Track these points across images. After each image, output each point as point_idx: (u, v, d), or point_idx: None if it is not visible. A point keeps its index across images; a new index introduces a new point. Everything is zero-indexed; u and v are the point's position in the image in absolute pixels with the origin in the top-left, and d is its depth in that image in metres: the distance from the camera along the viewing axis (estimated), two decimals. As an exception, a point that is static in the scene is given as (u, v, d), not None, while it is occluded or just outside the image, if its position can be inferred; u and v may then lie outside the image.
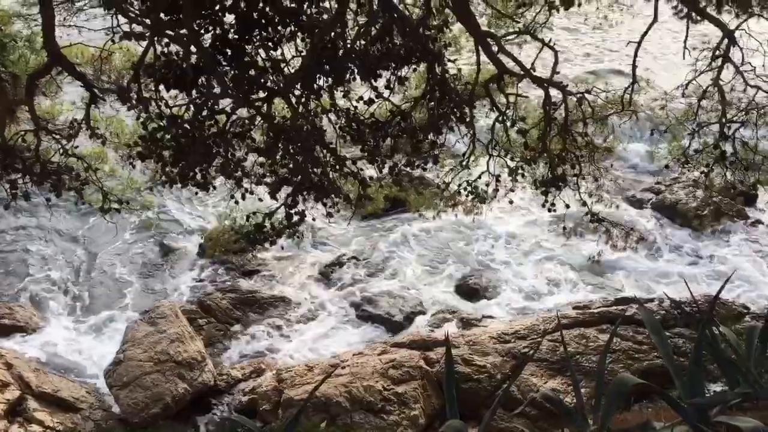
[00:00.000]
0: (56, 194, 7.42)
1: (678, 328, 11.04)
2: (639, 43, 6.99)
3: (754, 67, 7.27)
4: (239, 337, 13.17)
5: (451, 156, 9.87)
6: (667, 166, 8.36)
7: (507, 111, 8.20)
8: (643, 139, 15.23)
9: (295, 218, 7.68)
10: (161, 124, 6.49)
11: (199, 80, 6.55)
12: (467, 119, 7.94)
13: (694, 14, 6.07)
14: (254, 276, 14.85)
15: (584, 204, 8.95)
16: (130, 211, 10.42)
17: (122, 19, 5.94)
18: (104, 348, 12.65)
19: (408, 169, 8.09)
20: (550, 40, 7.80)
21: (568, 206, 8.96)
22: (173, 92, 6.69)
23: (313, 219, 8.10)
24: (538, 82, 7.61)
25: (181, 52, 6.25)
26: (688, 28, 6.40)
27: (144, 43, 6.15)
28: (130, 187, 9.20)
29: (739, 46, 6.78)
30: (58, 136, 7.52)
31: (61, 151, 7.41)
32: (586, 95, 8.08)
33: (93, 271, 14.92)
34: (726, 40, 6.59)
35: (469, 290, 14.55)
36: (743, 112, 7.59)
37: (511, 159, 8.84)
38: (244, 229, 8.66)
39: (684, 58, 7.15)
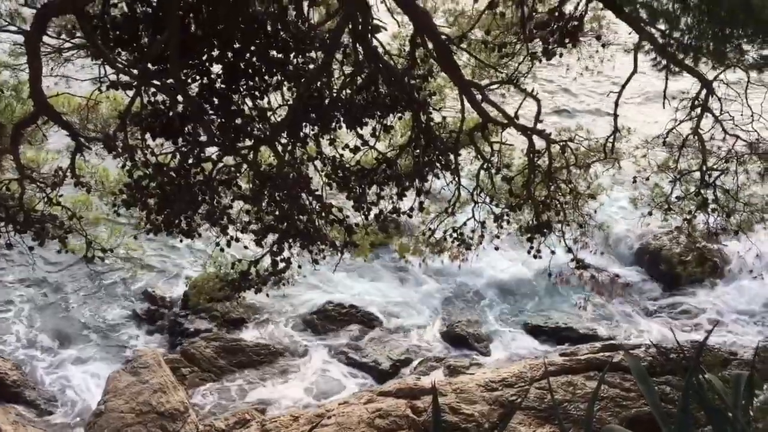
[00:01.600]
0: (39, 243, 7.37)
1: (665, 375, 11.00)
2: (620, 93, 7.14)
3: (732, 117, 7.44)
4: (223, 387, 12.96)
5: (436, 202, 9.91)
6: (650, 213, 8.46)
7: (492, 158, 8.28)
8: (626, 185, 15.43)
9: (281, 265, 7.67)
10: (147, 171, 6.51)
11: (186, 128, 6.60)
12: (452, 166, 8.01)
13: (672, 66, 6.22)
14: (239, 324, 14.69)
15: (569, 250, 9.00)
16: (114, 259, 10.35)
17: (110, 69, 5.99)
18: (83, 397, 12.41)
19: (394, 215, 8.12)
20: (533, 90, 7.93)
21: (553, 252, 9.00)
22: (159, 140, 6.73)
23: (299, 266, 8.08)
24: (522, 131, 7.72)
25: (167, 101, 6.30)
26: (667, 78, 6.56)
27: (131, 93, 6.19)
28: (115, 235, 9.15)
29: (716, 96, 6.95)
30: (42, 185, 7.50)
31: (46, 199, 7.39)
32: (569, 143, 8.20)
33: (73, 320, 14.71)
34: (704, 90, 6.75)
35: (456, 337, 14.46)
36: (723, 160, 7.73)
37: (497, 205, 8.90)
38: (229, 277, 8.62)
39: (664, 108, 7.31)
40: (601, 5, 6.87)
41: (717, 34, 5.34)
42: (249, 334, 14.37)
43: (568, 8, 7.48)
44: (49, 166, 7.86)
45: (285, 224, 7.42)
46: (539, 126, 7.86)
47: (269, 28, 6.90)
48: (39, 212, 7.36)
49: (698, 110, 7.06)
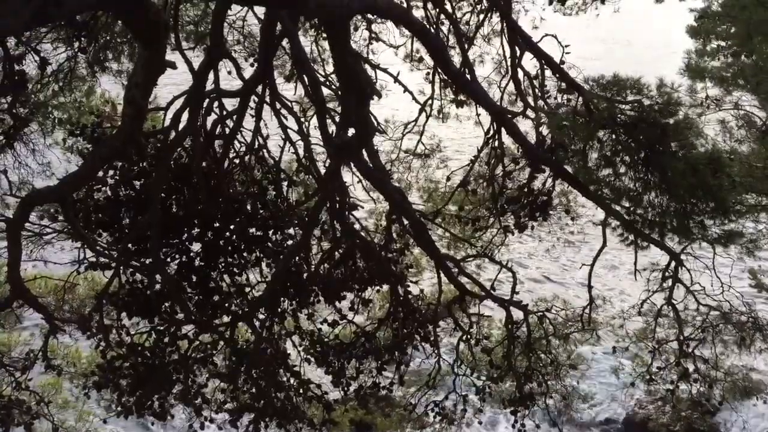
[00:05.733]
0: (4, 430, 7.05)
1: None
2: (592, 266, 7.32)
3: (704, 288, 7.60)
4: None
5: (416, 375, 9.74)
6: (632, 384, 8.37)
7: (470, 330, 8.27)
8: (606, 355, 15.31)
9: (257, 448, 7.35)
10: (120, 352, 6.40)
11: (163, 307, 6.58)
12: (431, 338, 7.97)
13: (639, 240, 6.44)
14: None
15: (554, 424, 8.76)
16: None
17: (89, 252, 6.06)
18: None
19: (374, 390, 7.94)
20: (507, 262, 8.09)
21: (538, 426, 8.73)
22: (135, 319, 6.68)
23: (276, 448, 7.74)
24: (499, 303, 7.78)
25: (145, 281, 6.33)
26: (636, 252, 6.77)
27: (109, 273, 6.23)
28: (84, 419, 8.78)
29: (686, 268, 7.15)
30: (12, 369, 7.30)
31: (14, 384, 7.17)
32: (547, 313, 8.24)
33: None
34: (673, 263, 6.95)
35: None
36: (700, 330, 7.80)
37: (478, 377, 8.75)
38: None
39: (636, 279, 7.48)
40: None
41: (679, 211, 5.59)
42: None
43: (537, 184, 7.83)
44: (20, 348, 7.72)
45: (261, 402, 7.21)
46: (516, 297, 7.93)
47: (249, 207, 7.12)
48: (5, 398, 7.10)
49: (669, 281, 7.23)
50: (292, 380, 7.38)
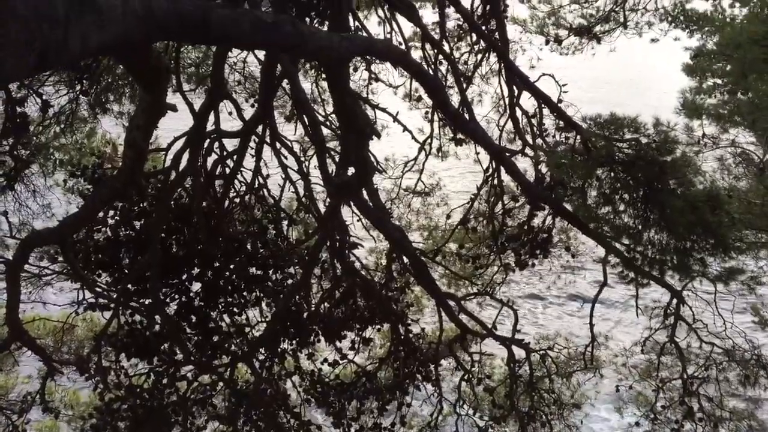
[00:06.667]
0: (1, 475, 6.96)
1: None
2: (593, 303, 7.29)
3: (706, 325, 7.55)
4: None
5: (418, 416, 9.61)
6: (637, 423, 8.26)
7: (472, 369, 8.19)
8: (610, 394, 15.09)
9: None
10: (119, 394, 6.34)
11: (162, 348, 6.55)
12: (433, 378, 7.90)
13: (640, 278, 6.42)
14: None
15: (559, 468, 8.61)
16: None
17: (89, 293, 6.06)
18: None
19: (375, 431, 7.84)
20: (508, 300, 8.06)
21: (543, 472, 8.58)
22: (134, 360, 6.63)
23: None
24: (501, 341, 7.73)
25: (145, 321, 6.31)
26: (637, 290, 6.75)
27: (108, 314, 6.21)
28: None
29: (688, 305, 7.11)
30: (9, 412, 7.22)
31: (11, 427, 7.07)
32: (549, 352, 8.18)
33: None
34: (675, 300, 6.92)
35: None
36: (703, 368, 7.73)
37: (480, 417, 8.64)
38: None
39: (638, 317, 7.44)
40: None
41: (679, 248, 5.58)
42: None
43: (537, 221, 7.84)
44: (18, 390, 7.64)
45: (261, 445, 7.13)
46: (518, 335, 7.89)
47: (249, 246, 7.13)
48: (2, 442, 7.01)
49: (671, 319, 7.19)
50: (292, 421, 7.30)
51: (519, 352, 8.00)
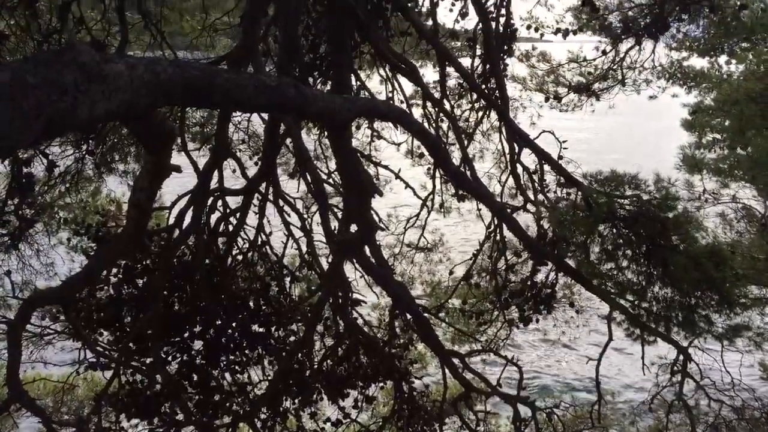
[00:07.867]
0: None
1: None
2: (599, 361, 7.20)
3: (714, 382, 7.44)
4: None
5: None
6: (649, 486, 8.08)
7: (477, 428, 8.06)
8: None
9: None
10: (118, 455, 6.24)
11: (163, 408, 6.46)
12: (437, 437, 7.77)
13: (646, 335, 6.36)
14: None
15: None
16: None
17: (90, 353, 6.01)
18: None
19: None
20: (513, 357, 7.97)
21: None
22: (134, 420, 6.54)
23: None
24: (506, 399, 7.61)
25: (145, 381, 6.24)
26: (643, 347, 6.68)
27: (109, 373, 6.15)
28: None
29: (695, 362, 7.03)
30: (6, 476, 7.09)
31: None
32: (555, 410, 8.04)
33: None
34: (682, 357, 6.83)
35: None
36: (713, 428, 7.59)
37: (488, 478, 8.47)
38: None
39: (644, 374, 7.34)
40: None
41: (683, 304, 5.55)
42: None
43: (540, 277, 7.81)
44: (16, 452, 7.50)
45: (263, 507, 6.96)
46: (523, 393, 7.77)
47: (251, 303, 7.10)
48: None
49: (678, 376, 7.09)
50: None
51: (525, 410, 7.87)
